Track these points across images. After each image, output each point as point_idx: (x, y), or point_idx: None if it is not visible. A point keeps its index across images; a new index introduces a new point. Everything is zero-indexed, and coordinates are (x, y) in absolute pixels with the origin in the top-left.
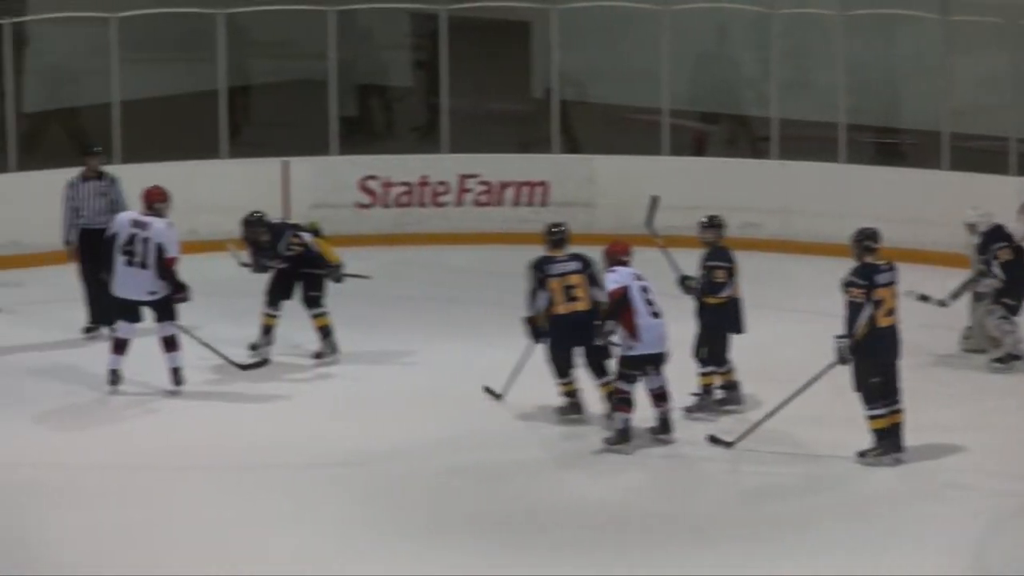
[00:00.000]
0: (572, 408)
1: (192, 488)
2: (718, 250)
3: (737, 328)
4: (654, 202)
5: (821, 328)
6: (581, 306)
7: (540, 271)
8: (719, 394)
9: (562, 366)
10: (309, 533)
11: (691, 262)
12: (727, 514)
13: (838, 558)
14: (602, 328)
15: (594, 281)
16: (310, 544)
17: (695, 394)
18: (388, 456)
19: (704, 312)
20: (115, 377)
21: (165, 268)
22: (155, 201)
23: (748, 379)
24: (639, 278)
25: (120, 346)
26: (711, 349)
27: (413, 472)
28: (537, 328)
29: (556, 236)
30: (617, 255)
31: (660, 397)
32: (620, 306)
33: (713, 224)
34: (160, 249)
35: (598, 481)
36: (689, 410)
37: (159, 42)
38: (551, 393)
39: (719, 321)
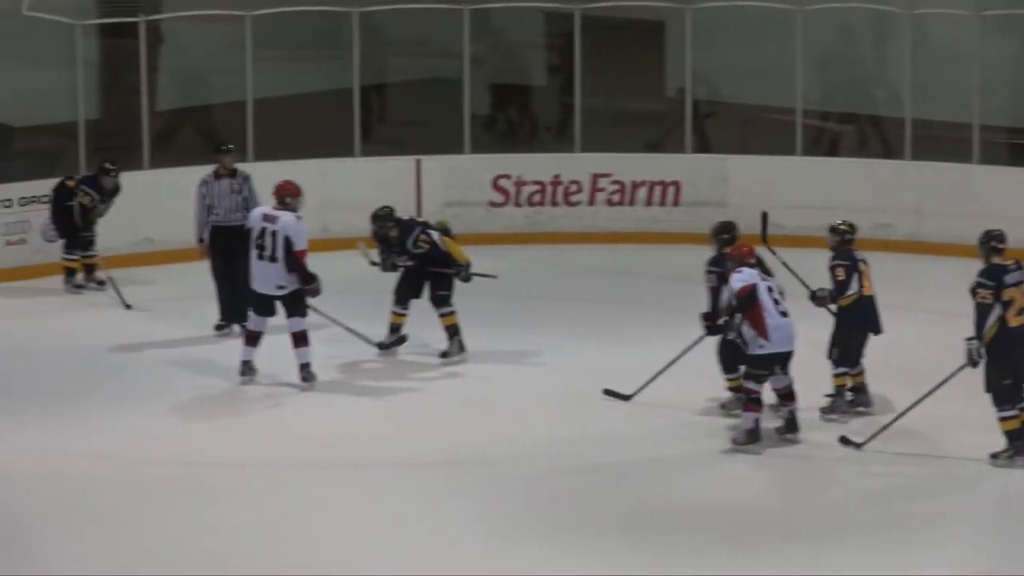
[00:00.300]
0: (733, 404)
1: (316, 486)
2: (841, 251)
3: (874, 327)
4: (765, 218)
5: (952, 329)
6: None
7: (721, 268)
8: (848, 396)
9: (728, 363)
10: (429, 533)
11: (820, 262)
12: (855, 515)
13: (968, 559)
14: (730, 324)
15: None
16: (431, 544)
17: (828, 395)
18: (512, 456)
19: (838, 312)
20: (245, 369)
21: (294, 261)
22: (286, 195)
23: (878, 380)
24: (765, 278)
25: (252, 339)
26: (843, 350)
27: (537, 472)
28: (717, 324)
29: (732, 234)
30: (743, 257)
31: (787, 396)
32: (748, 303)
33: (834, 230)
34: (288, 242)
35: (726, 481)
36: (824, 411)
37: (293, 40)
38: (680, 392)
39: (852, 321)
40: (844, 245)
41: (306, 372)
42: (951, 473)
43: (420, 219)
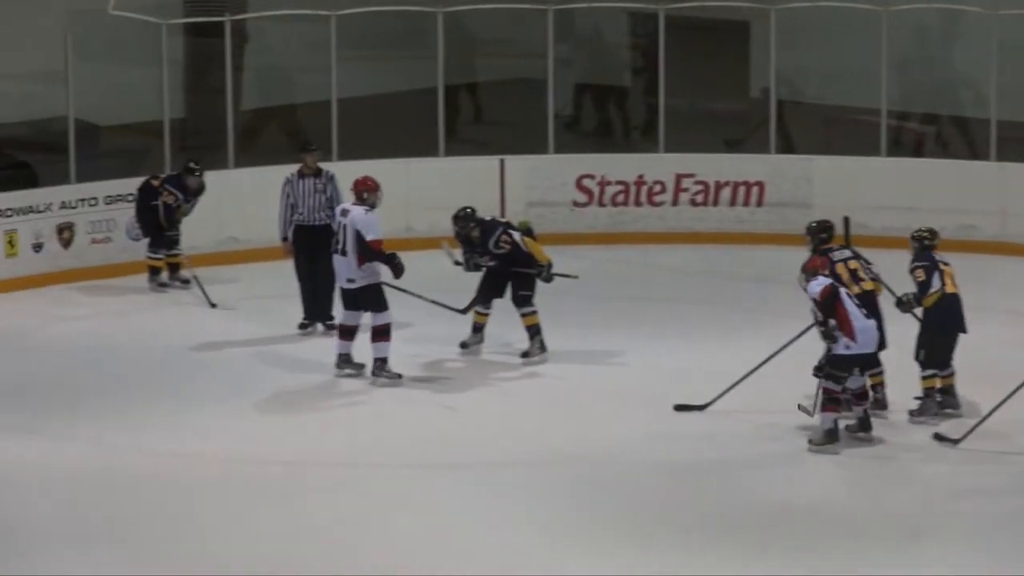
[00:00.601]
0: (877, 404)
1: (399, 485)
2: (920, 254)
3: (960, 327)
4: (847, 222)
5: None
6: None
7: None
8: (938, 398)
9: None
10: (512, 531)
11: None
12: (938, 514)
13: None
14: (828, 329)
15: None
16: (513, 542)
17: (917, 398)
18: (594, 456)
19: (924, 315)
20: (340, 361)
21: (369, 251)
22: (363, 190)
23: (964, 381)
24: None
25: (344, 332)
26: (930, 351)
27: (618, 472)
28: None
29: (830, 233)
30: (816, 269)
31: (861, 396)
32: (832, 303)
33: (915, 237)
34: (358, 235)
35: (807, 482)
36: (912, 414)
37: (378, 40)
38: (760, 393)
39: (938, 322)
40: (924, 251)
41: (378, 366)
42: None
43: (502, 220)
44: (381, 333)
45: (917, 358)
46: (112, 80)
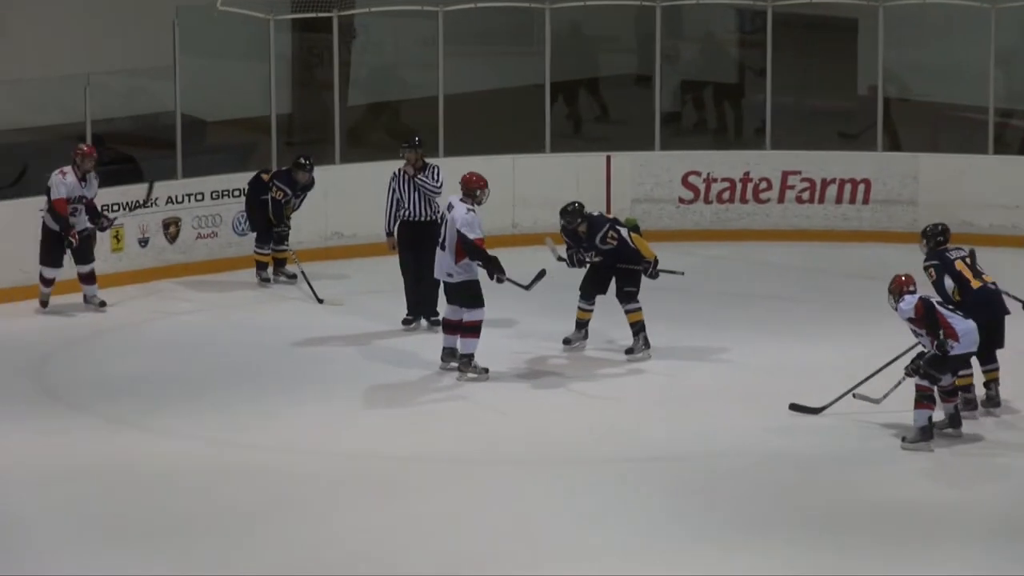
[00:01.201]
0: (990, 401)
1: (500, 481)
2: None
3: None
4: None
5: None
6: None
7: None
8: None
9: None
10: (617, 528)
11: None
12: None
13: None
14: (940, 342)
15: None
16: (618, 539)
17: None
18: (697, 453)
19: None
20: (445, 355)
21: (471, 249)
22: (470, 187)
23: None
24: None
25: (449, 327)
26: None
27: (722, 469)
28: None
29: (947, 236)
30: (903, 288)
31: (951, 393)
32: (931, 314)
33: None
34: (459, 233)
35: (903, 478)
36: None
37: (485, 35)
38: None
39: None
40: None
41: (464, 363)
42: None
43: (610, 216)
44: (470, 330)
45: None
46: (219, 75)
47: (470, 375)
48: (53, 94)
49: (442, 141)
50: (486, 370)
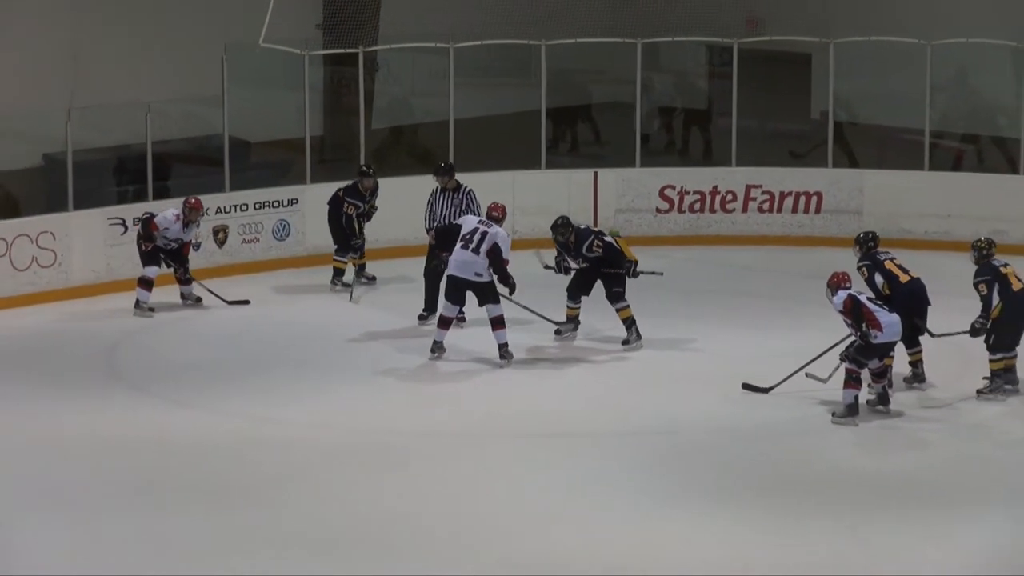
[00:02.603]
0: (916, 378)
1: (498, 452)
2: (981, 266)
3: None
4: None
5: None
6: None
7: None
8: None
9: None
10: (603, 495)
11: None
12: (945, 473)
13: None
14: (863, 334)
15: None
16: (604, 505)
17: (985, 378)
18: (670, 427)
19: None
20: (435, 347)
21: (503, 267)
22: (501, 215)
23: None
24: (860, 294)
25: (444, 323)
26: (999, 337)
27: (693, 442)
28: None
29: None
30: (839, 284)
31: (880, 375)
32: (857, 309)
33: (973, 247)
34: (497, 248)
35: (838, 449)
36: (981, 392)
37: (489, 68)
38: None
39: (1008, 313)
40: (983, 259)
41: (504, 351)
42: None
43: (595, 228)
44: (500, 322)
45: (987, 342)
46: (261, 103)
47: (508, 358)
48: (119, 119)
49: (452, 159)
50: (512, 355)
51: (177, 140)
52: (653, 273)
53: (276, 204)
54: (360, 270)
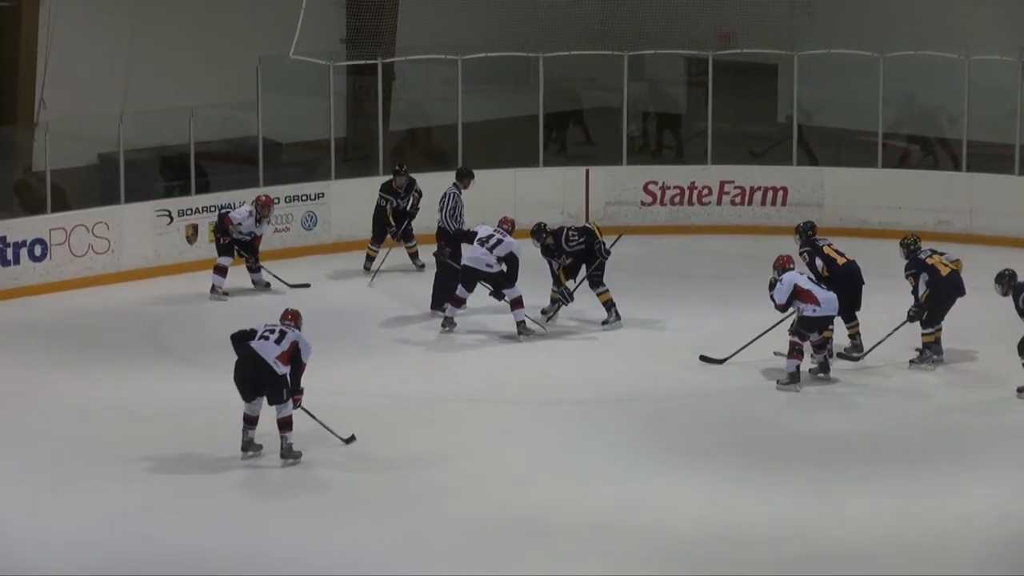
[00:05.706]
0: (855, 348)
1: (503, 415)
2: (911, 260)
3: (960, 291)
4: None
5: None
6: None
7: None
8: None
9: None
10: (593, 456)
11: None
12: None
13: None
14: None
15: None
16: (594, 465)
17: (917, 349)
18: (658, 395)
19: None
20: (446, 322)
21: (515, 268)
22: (507, 227)
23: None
24: (800, 275)
25: (458, 302)
26: (931, 313)
27: (670, 407)
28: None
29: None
30: (783, 265)
31: (821, 347)
32: (795, 296)
33: (902, 244)
34: (512, 255)
35: (822, 416)
36: (913, 362)
37: (493, 77)
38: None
39: (941, 293)
40: (911, 254)
41: (522, 327)
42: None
43: (568, 225)
44: (518, 303)
45: (919, 318)
46: (291, 108)
47: (525, 334)
48: (166, 122)
49: (461, 159)
50: (531, 331)
51: (217, 141)
52: (618, 238)
53: (304, 198)
54: (413, 258)
